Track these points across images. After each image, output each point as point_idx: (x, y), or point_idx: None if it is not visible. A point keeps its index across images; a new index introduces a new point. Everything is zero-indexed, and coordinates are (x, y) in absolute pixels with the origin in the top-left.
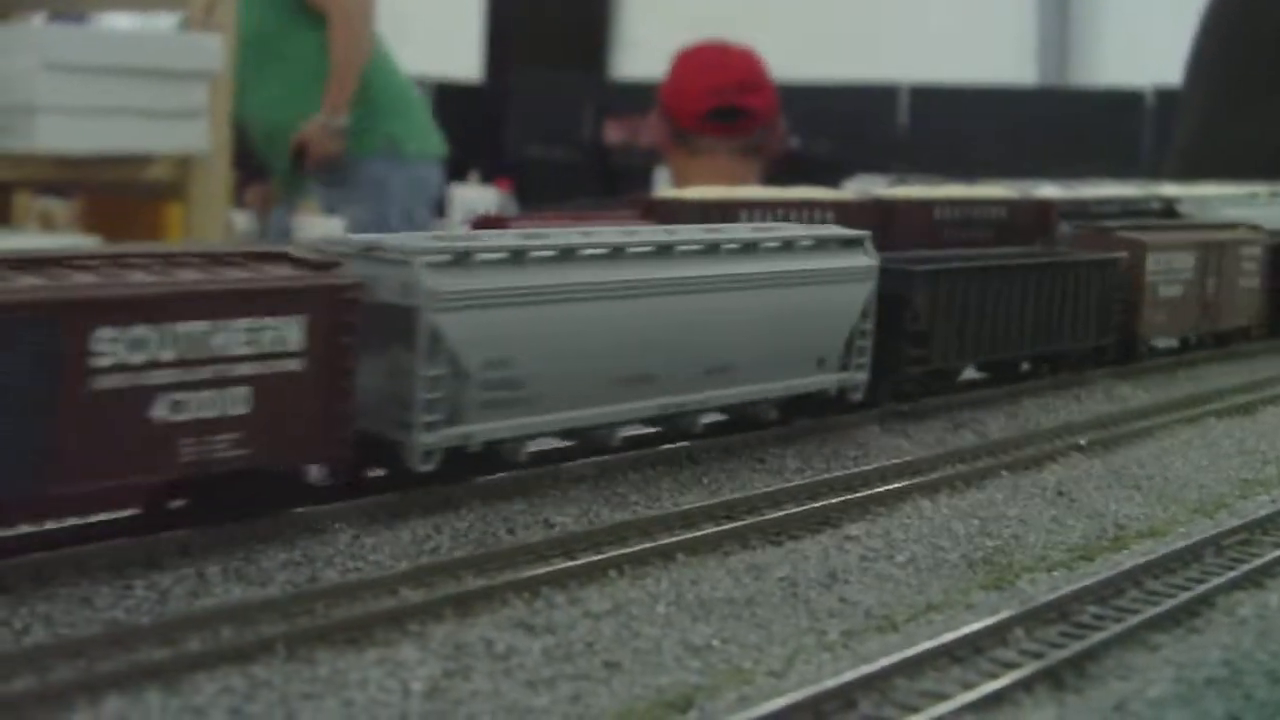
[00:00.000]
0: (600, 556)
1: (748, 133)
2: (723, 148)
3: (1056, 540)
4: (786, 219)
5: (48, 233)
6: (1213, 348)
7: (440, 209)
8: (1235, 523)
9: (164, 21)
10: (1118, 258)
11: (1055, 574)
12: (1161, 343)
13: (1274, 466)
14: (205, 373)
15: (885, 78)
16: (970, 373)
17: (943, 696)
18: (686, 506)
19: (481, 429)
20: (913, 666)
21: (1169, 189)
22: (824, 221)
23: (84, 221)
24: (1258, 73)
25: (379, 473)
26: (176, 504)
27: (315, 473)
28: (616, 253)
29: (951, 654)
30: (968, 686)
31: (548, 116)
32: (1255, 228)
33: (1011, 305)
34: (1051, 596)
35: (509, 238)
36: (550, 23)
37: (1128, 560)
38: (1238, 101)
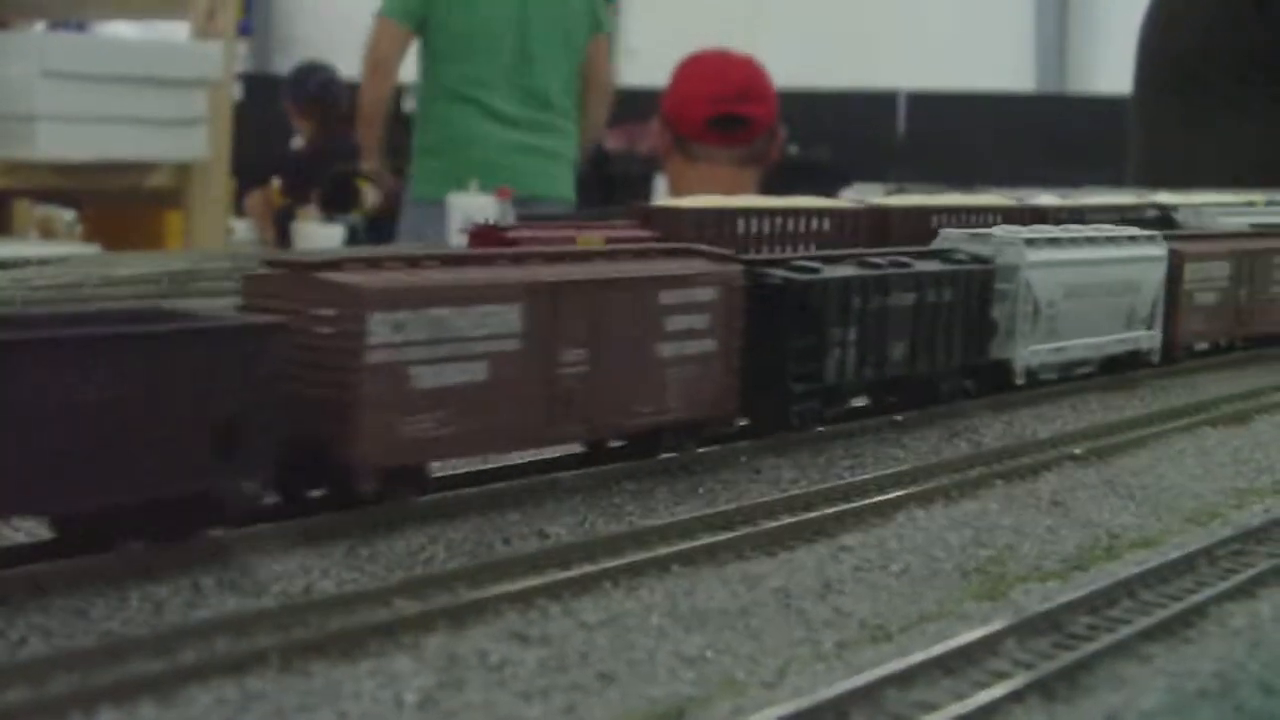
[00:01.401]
0: (595, 567)
1: (748, 141)
2: (723, 156)
3: (1050, 550)
4: (783, 227)
5: (48, 241)
6: (630, 458)
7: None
8: (1229, 533)
9: (170, 29)
10: (255, 325)
11: (1049, 584)
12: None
13: (1269, 476)
14: None
15: (883, 84)
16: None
17: (934, 707)
18: (682, 517)
19: None
20: (905, 677)
21: (1165, 197)
22: (820, 229)
23: (84, 229)
24: (1204, 85)
25: None
26: None
27: None
28: None
29: (944, 665)
30: (959, 697)
31: None
32: (722, 254)
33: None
34: (1045, 607)
35: None
36: None
37: (1121, 570)
38: (1185, 113)
